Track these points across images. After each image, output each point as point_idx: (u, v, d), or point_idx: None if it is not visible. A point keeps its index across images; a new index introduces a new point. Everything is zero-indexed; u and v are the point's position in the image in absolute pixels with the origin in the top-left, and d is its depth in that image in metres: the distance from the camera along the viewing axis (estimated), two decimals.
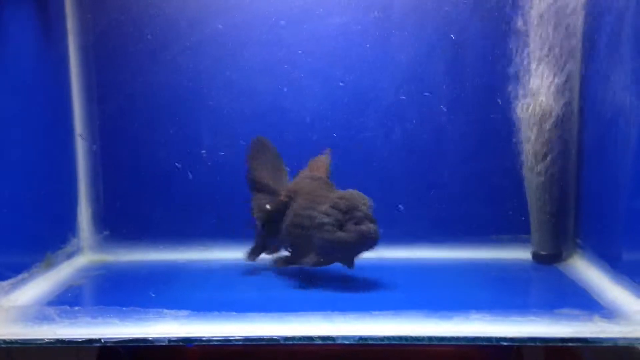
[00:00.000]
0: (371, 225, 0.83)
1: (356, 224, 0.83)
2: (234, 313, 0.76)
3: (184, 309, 0.77)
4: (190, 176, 1.06)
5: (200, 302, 0.81)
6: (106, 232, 1.09)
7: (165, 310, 0.77)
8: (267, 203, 0.93)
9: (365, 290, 0.87)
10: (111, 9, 1.04)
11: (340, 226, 0.83)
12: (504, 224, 1.06)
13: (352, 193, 0.86)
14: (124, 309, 0.77)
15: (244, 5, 1.03)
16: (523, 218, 1.04)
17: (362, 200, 0.84)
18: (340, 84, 1.04)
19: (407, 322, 0.74)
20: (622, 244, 0.84)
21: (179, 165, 1.06)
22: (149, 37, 1.04)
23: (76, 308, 0.78)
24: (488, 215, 1.07)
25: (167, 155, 1.07)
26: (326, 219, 0.84)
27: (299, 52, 1.04)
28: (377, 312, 0.76)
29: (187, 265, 1.03)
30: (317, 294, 0.87)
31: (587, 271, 0.95)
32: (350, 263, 0.88)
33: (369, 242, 0.83)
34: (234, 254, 1.01)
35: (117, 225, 1.09)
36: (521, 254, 1.04)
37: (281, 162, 0.98)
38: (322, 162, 0.95)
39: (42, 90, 0.97)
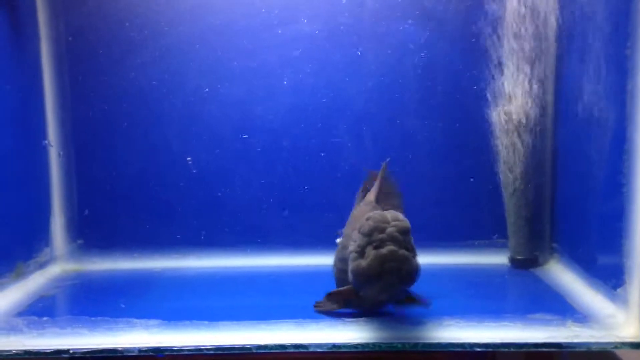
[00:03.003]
0: (393, 248, 0.67)
1: (375, 247, 0.69)
2: (206, 322, 0.75)
3: (154, 318, 0.76)
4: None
5: (171, 311, 0.80)
6: (80, 241, 1.07)
7: (136, 320, 0.76)
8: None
9: None
10: (84, 15, 1.03)
11: (362, 253, 0.70)
12: (481, 229, 1.06)
13: (383, 214, 0.71)
14: (93, 319, 0.76)
15: (217, 12, 1.03)
16: (500, 223, 1.04)
17: (392, 221, 0.70)
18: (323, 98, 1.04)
19: (380, 330, 0.73)
20: (595, 248, 0.84)
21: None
22: (122, 43, 1.03)
23: (45, 319, 0.77)
24: (465, 220, 1.06)
25: (140, 164, 1.06)
26: (351, 246, 0.72)
27: (273, 58, 1.03)
28: (349, 320, 0.75)
29: (161, 274, 1.02)
30: (291, 301, 0.86)
31: (562, 275, 0.95)
32: (397, 300, 0.75)
33: (391, 268, 0.67)
34: (208, 262, 1.01)
35: (90, 234, 1.08)
36: (499, 259, 1.04)
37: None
38: (376, 181, 0.86)
39: (13, 98, 0.95)
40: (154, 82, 1.04)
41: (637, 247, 0.71)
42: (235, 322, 0.75)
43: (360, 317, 0.76)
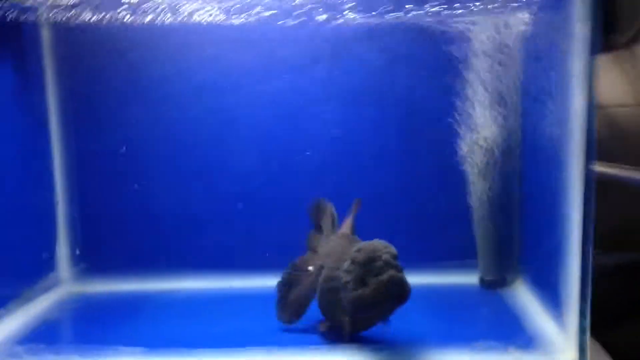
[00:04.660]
0: (393, 273, 0.75)
1: (376, 275, 0.75)
2: (186, 349, 0.83)
3: (139, 345, 0.84)
4: (137, 186, 1.14)
5: (155, 338, 0.88)
6: (83, 265, 1.16)
7: (122, 348, 0.84)
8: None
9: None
10: (89, 61, 1.11)
11: (363, 282, 0.76)
12: (453, 250, 1.12)
13: (372, 243, 0.78)
14: (84, 346, 0.84)
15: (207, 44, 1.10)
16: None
17: (384, 249, 0.77)
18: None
19: (339, 356, 0.81)
20: (546, 274, 0.89)
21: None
22: (126, 86, 1.12)
23: (41, 346, 0.85)
24: (438, 241, 1.13)
25: (137, 198, 1.14)
26: (347, 277, 0.78)
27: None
28: (313, 347, 0.83)
29: (154, 296, 1.10)
30: (271, 325, 0.92)
31: (525, 297, 1.01)
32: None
33: (393, 292, 0.75)
34: (202, 284, 1.12)
35: (93, 258, 1.16)
36: (469, 279, 1.10)
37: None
38: (348, 217, 0.93)
39: (21, 133, 1.06)
40: (160, 122, 1.13)
41: (570, 279, 0.78)
42: (211, 349, 0.83)
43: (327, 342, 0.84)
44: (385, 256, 0.75)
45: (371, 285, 0.75)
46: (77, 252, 1.16)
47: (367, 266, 0.76)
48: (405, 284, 0.75)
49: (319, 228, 0.99)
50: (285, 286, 0.93)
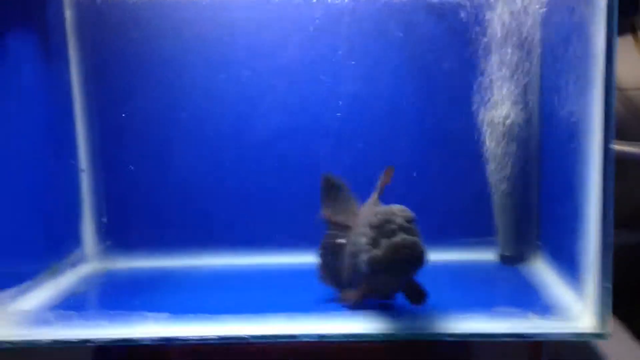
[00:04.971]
0: (405, 237, 0.75)
1: (389, 237, 0.76)
2: (208, 315, 0.85)
3: (164, 311, 0.86)
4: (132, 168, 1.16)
5: (180, 306, 0.90)
6: (108, 243, 1.19)
7: (148, 314, 0.86)
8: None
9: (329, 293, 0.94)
10: (111, 36, 1.14)
11: (376, 244, 0.76)
12: (473, 227, 1.13)
13: (390, 207, 0.79)
14: (112, 312, 0.87)
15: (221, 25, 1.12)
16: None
17: (399, 213, 0.77)
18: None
19: (362, 321, 0.82)
20: (565, 246, 0.90)
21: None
22: (148, 61, 1.14)
23: (71, 312, 0.88)
24: (459, 219, 1.14)
25: (161, 175, 1.16)
26: (363, 240, 0.79)
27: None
28: (336, 313, 0.84)
29: (179, 272, 1.13)
30: (287, 297, 0.95)
31: (542, 271, 1.02)
32: (407, 290, 0.83)
33: (405, 256, 0.74)
34: (220, 260, 1.14)
35: (118, 236, 1.19)
36: (489, 256, 1.11)
37: (350, 195, 0.95)
38: (379, 184, 0.90)
39: (46, 111, 1.08)
40: (171, 102, 1.14)
41: (589, 246, 0.78)
42: (234, 315, 0.85)
43: (348, 310, 0.86)
44: (399, 220, 0.76)
45: (383, 247, 0.75)
46: (104, 220, 1.18)
47: (381, 228, 0.76)
48: (418, 247, 0.75)
49: (332, 203, 0.98)
50: (326, 253, 0.93)
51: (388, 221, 0.76)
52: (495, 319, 0.80)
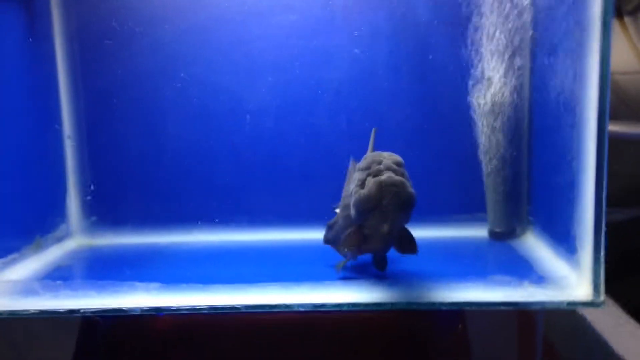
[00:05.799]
0: (391, 174, 0.73)
1: (374, 176, 0.74)
2: (200, 285, 0.84)
3: (155, 282, 0.85)
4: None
5: (170, 277, 0.88)
6: (93, 218, 1.16)
7: (138, 284, 0.84)
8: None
9: (324, 265, 0.93)
10: (96, 9, 1.11)
11: (363, 184, 0.75)
12: (463, 204, 1.13)
13: (377, 152, 0.79)
14: (101, 282, 0.85)
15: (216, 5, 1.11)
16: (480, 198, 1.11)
17: (387, 157, 0.76)
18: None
19: (357, 291, 0.81)
20: (558, 219, 0.90)
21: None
22: (134, 33, 1.11)
23: (58, 282, 0.86)
24: (451, 196, 1.13)
25: (147, 148, 1.14)
26: (353, 184, 0.78)
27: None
28: (329, 282, 0.83)
29: (166, 248, 1.11)
30: (279, 269, 0.94)
31: (535, 245, 1.02)
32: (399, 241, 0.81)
33: (391, 193, 0.72)
34: (210, 237, 1.12)
35: (103, 211, 1.16)
36: (479, 232, 1.11)
37: None
38: (370, 144, 0.89)
39: (29, 88, 1.05)
40: (159, 71, 1.12)
41: (585, 216, 0.78)
42: (226, 285, 0.84)
43: (343, 279, 0.85)
44: (386, 161, 0.75)
45: (368, 185, 0.73)
46: (88, 198, 1.16)
47: (369, 169, 0.75)
48: (405, 186, 0.72)
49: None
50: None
51: (375, 162, 0.75)
52: (491, 287, 0.80)
